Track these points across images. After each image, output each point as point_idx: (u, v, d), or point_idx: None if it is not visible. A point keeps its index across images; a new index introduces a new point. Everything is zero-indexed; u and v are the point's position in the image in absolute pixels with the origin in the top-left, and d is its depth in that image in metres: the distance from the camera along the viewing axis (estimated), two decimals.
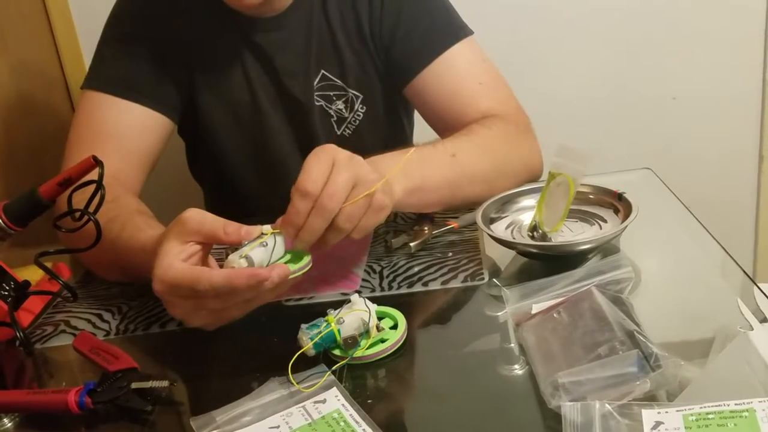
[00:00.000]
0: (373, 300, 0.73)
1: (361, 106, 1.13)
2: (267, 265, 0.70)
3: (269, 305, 0.73)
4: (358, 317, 0.69)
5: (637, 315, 0.69)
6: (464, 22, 1.11)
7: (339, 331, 0.68)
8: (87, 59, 1.46)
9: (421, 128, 1.22)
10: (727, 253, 0.80)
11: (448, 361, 0.70)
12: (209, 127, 1.14)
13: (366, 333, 0.70)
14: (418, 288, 0.82)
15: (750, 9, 1.71)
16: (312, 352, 0.68)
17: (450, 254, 0.88)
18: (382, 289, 0.83)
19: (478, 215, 0.86)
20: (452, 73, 1.06)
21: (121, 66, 1.06)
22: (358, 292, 0.82)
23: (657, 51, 1.73)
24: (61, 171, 0.78)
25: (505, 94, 1.08)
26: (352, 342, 0.69)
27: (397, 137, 1.23)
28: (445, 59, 1.06)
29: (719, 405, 0.54)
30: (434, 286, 0.82)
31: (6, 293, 0.82)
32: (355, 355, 0.68)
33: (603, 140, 1.76)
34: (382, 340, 0.70)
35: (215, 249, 0.74)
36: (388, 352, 0.70)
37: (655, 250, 0.87)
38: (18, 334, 0.80)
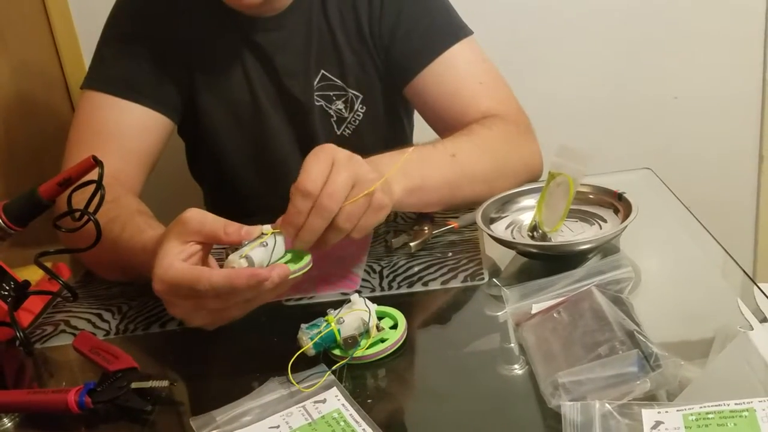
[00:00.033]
0: (373, 300, 0.73)
1: (360, 106, 1.13)
2: (267, 265, 0.70)
3: (269, 305, 0.73)
4: (358, 317, 0.69)
5: (637, 315, 0.69)
6: (464, 22, 1.11)
7: (339, 330, 0.68)
8: (87, 59, 1.46)
9: (421, 128, 1.21)
10: (727, 253, 0.80)
11: (448, 361, 0.70)
12: (209, 127, 1.13)
13: (366, 333, 0.70)
14: (418, 288, 0.82)
15: (750, 9, 1.71)
16: (312, 352, 0.68)
17: (450, 254, 0.88)
18: (382, 289, 0.83)
19: (478, 215, 0.86)
20: (452, 72, 1.06)
21: (121, 66, 1.06)
22: (358, 291, 0.82)
23: (657, 51, 1.73)
24: (61, 171, 0.78)
25: (505, 94, 1.08)
26: (352, 342, 0.69)
27: (397, 137, 1.23)
28: (445, 59, 1.06)
29: (719, 405, 0.54)
30: (434, 286, 0.82)
31: (6, 293, 0.82)
32: (355, 355, 0.68)
33: (603, 140, 1.76)
34: (382, 340, 0.70)
35: (215, 249, 0.74)
36: (388, 352, 0.70)
37: (655, 250, 0.87)
38: (18, 334, 0.80)
